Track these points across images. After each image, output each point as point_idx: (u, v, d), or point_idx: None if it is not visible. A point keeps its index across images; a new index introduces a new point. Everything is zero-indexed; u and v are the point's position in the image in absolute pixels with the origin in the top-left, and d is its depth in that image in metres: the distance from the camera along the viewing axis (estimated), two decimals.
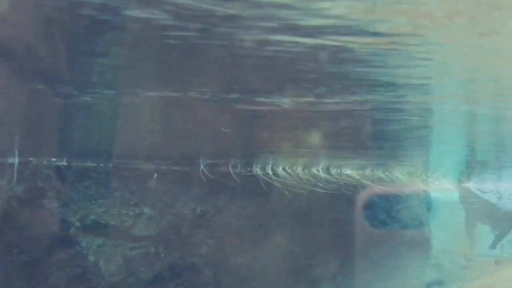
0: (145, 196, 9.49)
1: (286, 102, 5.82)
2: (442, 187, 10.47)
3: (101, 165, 9.34)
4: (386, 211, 11.07)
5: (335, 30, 3.52)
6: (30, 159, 8.73)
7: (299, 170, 9.22)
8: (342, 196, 8.97)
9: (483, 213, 13.89)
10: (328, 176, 9.03)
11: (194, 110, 6.69)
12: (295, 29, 3.54)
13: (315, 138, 8.23)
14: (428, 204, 13.36)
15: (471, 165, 11.36)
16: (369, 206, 10.79)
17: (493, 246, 14.68)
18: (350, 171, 9.12)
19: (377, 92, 5.50)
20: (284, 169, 9.31)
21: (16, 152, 8.48)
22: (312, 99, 5.67)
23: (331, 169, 9.20)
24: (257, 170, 9.30)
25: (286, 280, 10.11)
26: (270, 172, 9.26)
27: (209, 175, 9.33)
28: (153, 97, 5.84)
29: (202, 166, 9.36)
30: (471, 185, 11.92)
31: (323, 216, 10.30)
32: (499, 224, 14.31)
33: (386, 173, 9.75)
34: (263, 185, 9.12)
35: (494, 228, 14.53)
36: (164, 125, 7.70)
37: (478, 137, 9.04)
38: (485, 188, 12.53)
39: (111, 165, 9.48)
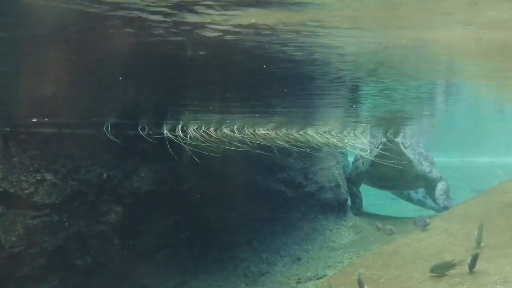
0: (47, 161, 8.88)
1: None
2: (360, 147, 10.27)
3: None
4: (302, 172, 10.86)
5: None
6: None
7: (211, 130, 8.83)
8: (256, 157, 8.64)
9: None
10: (241, 136, 8.68)
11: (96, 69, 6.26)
12: None
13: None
14: (345, 165, 13.30)
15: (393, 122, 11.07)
16: (285, 167, 10.55)
17: None
18: (264, 131, 8.79)
19: None
20: (195, 130, 8.89)
21: None
22: None
23: (244, 128, 8.86)
24: (166, 131, 8.85)
25: (201, 247, 9.78)
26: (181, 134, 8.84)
27: (115, 138, 8.83)
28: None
29: (107, 129, 8.83)
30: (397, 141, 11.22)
31: (237, 178, 9.98)
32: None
33: (300, 132, 9.49)
34: (173, 147, 8.68)
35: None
36: (66, 87, 7.18)
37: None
38: (406, 143, 11.91)
39: (8, 129, 8.79)
